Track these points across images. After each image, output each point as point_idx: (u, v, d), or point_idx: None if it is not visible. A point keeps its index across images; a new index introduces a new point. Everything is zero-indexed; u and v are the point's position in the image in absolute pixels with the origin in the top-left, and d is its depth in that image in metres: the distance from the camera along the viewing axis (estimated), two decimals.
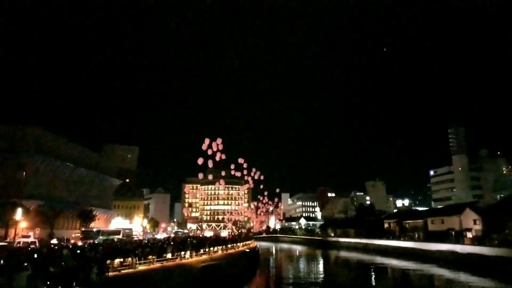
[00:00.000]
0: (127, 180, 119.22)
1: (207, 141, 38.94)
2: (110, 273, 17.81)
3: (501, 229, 44.32)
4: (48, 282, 13.24)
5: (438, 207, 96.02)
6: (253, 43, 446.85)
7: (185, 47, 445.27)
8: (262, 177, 50.68)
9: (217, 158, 40.07)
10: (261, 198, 71.79)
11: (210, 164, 40.54)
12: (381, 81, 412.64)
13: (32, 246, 29.85)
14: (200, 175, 42.62)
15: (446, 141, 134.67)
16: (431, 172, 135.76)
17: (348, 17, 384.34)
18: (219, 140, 39.11)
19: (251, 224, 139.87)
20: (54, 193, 60.55)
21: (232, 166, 44.85)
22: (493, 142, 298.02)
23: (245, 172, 50.19)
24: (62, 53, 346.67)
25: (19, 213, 39.55)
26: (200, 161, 39.82)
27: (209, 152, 39.33)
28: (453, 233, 52.55)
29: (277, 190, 69.15)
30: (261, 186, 65.48)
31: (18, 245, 30.77)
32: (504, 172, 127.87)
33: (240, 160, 46.57)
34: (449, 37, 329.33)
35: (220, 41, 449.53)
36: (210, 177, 49.76)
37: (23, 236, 40.34)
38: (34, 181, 56.16)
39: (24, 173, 54.15)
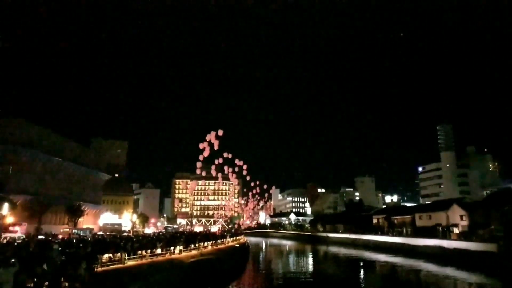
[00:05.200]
0: (116, 175, 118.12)
1: (211, 136, 38.38)
2: (99, 269, 17.66)
3: (487, 224, 45.09)
4: (36, 278, 13.06)
5: (426, 203, 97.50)
6: (248, 35, 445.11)
7: (174, 40, 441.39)
8: (246, 173, 50.34)
9: (208, 151, 39.56)
10: (251, 194, 71.57)
11: (201, 158, 40.10)
12: (370, 79, 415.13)
13: (19, 241, 29.43)
14: (198, 164, 41.77)
15: (435, 138, 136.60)
16: (420, 169, 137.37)
17: (338, 14, 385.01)
18: (213, 134, 38.63)
19: (241, 219, 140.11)
20: (42, 188, 59.64)
21: (220, 160, 44.39)
22: (480, 139, 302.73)
23: (236, 169, 50.02)
24: (49, 45, 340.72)
25: (5, 208, 38.97)
26: (206, 153, 39.00)
27: (202, 146, 38.74)
28: (440, 228, 53.31)
29: (266, 187, 68.81)
30: (257, 183, 64.92)
31: (5, 240, 30.30)
32: (491, 168, 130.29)
33: (226, 155, 45.87)
34: (437, 36, 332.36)
35: (213, 35, 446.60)
36: (200, 172, 49.11)
37: (10, 232, 39.74)
38: (21, 175, 55.24)
39: (11, 167, 53.20)
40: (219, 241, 40.28)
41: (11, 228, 41.88)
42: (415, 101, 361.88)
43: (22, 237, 34.73)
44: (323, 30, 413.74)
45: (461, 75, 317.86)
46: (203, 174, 48.48)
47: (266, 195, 74.87)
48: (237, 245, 45.06)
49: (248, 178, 55.69)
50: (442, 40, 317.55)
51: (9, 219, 43.88)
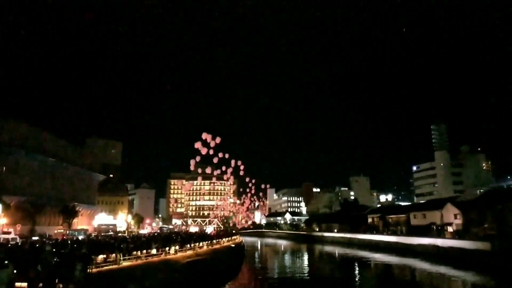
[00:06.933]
0: (111, 176, 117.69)
1: (207, 136, 38.21)
2: (93, 270, 17.60)
3: (480, 223, 45.44)
4: (29, 280, 13.00)
5: (420, 202, 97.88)
6: (245, 34, 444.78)
7: (170, 40, 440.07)
8: (243, 173, 50.13)
9: (204, 152, 39.49)
10: (249, 194, 71.31)
11: (198, 158, 40.02)
12: (365, 78, 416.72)
13: (13, 242, 29.23)
14: (192, 163, 41.36)
15: (429, 137, 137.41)
16: (414, 168, 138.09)
17: (333, 15, 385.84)
18: (209, 136, 38.48)
19: (237, 219, 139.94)
20: (36, 189, 59.25)
21: (215, 160, 44.13)
22: (474, 139, 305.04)
23: (230, 169, 49.80)
24: (43, 45, 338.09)
25: None
26: (202, 152, 38.85)
27: (197, 145, 38.61)
28: (434, 227, 53.64)
29: (264, 186, 68.66)
30: (253, 181, 64.63)
31: None
32: (484, 167, 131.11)
33: (221, 155, 45.55)
34: (432, 36, 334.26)
35: (209, 36, 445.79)
36: (195, 171, 48.69)
37: (4, 233, 39.49)
38: (15, 176, 54.85)
39: (5, 168, 52.86)
40: (214, 241, 40.25)
41: (4, 230, 41.63)
42: (409, 100, 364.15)
43: (16, 239, 34.49)
44: (319, 28, 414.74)
45: (455, 75, 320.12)
46: (199, 173, 48.24)
47: (261, 194, 74.81)
48: (233, 245, 45.05)
49: (245, 178, 55.57)
50: (436, 39, 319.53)
51: (3, 220, 43.56)
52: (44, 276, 13.47)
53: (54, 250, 18.98)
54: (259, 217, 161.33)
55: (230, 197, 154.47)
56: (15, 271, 12.71)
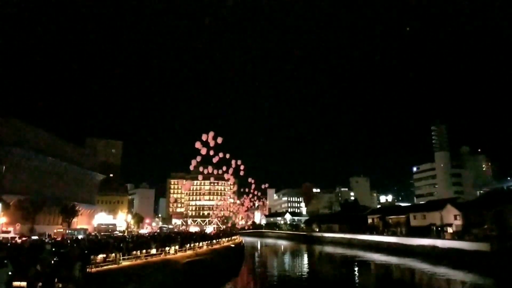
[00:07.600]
0: (111, 175, 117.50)
1: (207, 136, 38.24)
2: (93, 269, 17.58)
3: (480, 224, 45.44)
4: (29, 279, 12.98)
5: (420, 202, 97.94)
6: (245, 33, 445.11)
7: (170, 39, 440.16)
8: (243, 173, 50.06)
9: (204, 152, 39.53)
10: (251, 195, 71.19)
11: (198, 158, 40.03)
12: (365, 79, 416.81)
13: (12, 241, 29.23)
14: (193, 163, 41.34)
15: (429, 138, 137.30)
16: (414, 169, 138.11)
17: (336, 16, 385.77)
18: (210, 134, 38.50)
19: (237, 219, 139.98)
20: (36, 188, 59.23)
21: (215, 160, 44.11)
22: (474, 140, 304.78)
23: (230, 170, 49.76)
24: (43, 44, 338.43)
25: None
26: (202, 152, 38.93)
27: (198, 145, 38.65)
28: (434, 228, 53.64)
29: (264, 186, 68.57)
30: (253, 181, 64.44)
31: None
32: (484, 169, 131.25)
33: (222, 155, 45.53)
34: (432, 36, 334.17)
35: (209, 35, 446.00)
36: (195, 171, 48.64)
37: (3, 232, 39.52)
38: (14, 175, 54.88)
39: (4, 166, 52.85)
40: (214, 241, 40.25)
41: (4, 229, 41.65)
42: (410, 101, 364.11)
43: (15, 238, 34.49)
44: (320, 28, 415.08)
45: (455, 75, 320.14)
46: (199, 172, 48.31)
47: (261, 194, 74.72)
48: (233, 245, 45.06)
49: (245, 178, 55.54)
50: (437, 40, 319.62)
51: (2, 220, 43.58)
52: (43, 275, 13.45)
53: (53, 249, 18.94)
54: (259, 217, 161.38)
55: (230, 197, 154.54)
56: (10, 272, 12.66)
